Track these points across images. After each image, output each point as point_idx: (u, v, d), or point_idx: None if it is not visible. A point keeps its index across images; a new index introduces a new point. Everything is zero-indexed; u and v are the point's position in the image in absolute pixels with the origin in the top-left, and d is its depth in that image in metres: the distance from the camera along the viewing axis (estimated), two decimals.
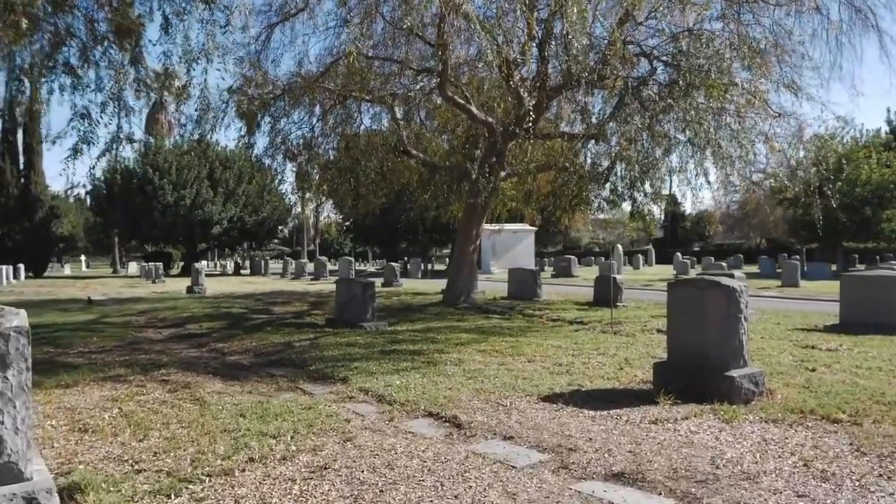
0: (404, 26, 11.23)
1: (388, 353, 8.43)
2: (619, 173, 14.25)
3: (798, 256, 43.72)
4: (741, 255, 47.05)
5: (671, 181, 13.22)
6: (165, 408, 5.74)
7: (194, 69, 8.71)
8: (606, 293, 15.06)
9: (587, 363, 7.75)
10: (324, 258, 35.32)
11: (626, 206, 15.71)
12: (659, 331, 10.88)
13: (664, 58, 10.84)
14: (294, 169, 17.79)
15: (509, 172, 14.86)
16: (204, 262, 73.38)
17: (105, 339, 10.11)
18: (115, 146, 9.38)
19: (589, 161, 14.10)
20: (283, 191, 19.79)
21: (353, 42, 10.94)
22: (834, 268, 32.55)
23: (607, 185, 14.47)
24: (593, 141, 13.09)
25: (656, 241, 65.92)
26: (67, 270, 57.15)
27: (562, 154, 14.63)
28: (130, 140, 10.14)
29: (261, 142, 17.56)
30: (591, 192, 14.73)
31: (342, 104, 15.96)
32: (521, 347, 8.85)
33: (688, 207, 62.18)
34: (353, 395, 6.32)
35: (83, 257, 72.55)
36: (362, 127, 17.01)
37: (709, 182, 12.48)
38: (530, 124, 12.28)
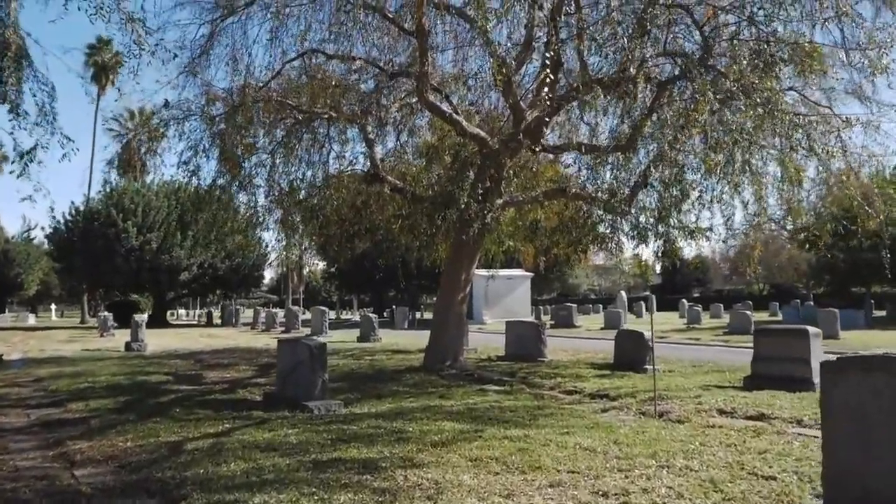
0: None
1: (325, 468, 5.26)
2: (644, 204, 11.40)
3: (811, 302, 40.87)
4: (750, 302, 43.99)
5: (735, 203, 10.21)
6: None
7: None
8: (631, 353, 11.99)
9: (649, 490, 4.63)
10: (296, 307, 31.99)
11: (646, 246, 12.71)
12: (721, 412, 7.83)
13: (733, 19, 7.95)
14: (246, 204, 14.77)
15: (507, 201, 11.90)
16: (182, 311, 70.16)
17: None
18: None
19: (605, 186, 11.16)
20: (237, 227, 16.59)
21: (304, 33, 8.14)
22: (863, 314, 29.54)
23: (628, 218, 11.58)
24: (616, 156, 10.15)
25: (653, 287, 62.84)
26: (32, 320, 53.24)
27: (574, 178, 11.72)
28: None
29: (206, 168, 14.62)
30: (612, 225, 11.77)
31: (305, 122, 13.11)
32: (535, 451, 5.71)
33: (689, 250, 58.83)
34: None
35: (53, 306, 68.73)
36: (331, 153, 14.13)
37: (762, 208, 9.57)
38: (525, 132, 9.38)
